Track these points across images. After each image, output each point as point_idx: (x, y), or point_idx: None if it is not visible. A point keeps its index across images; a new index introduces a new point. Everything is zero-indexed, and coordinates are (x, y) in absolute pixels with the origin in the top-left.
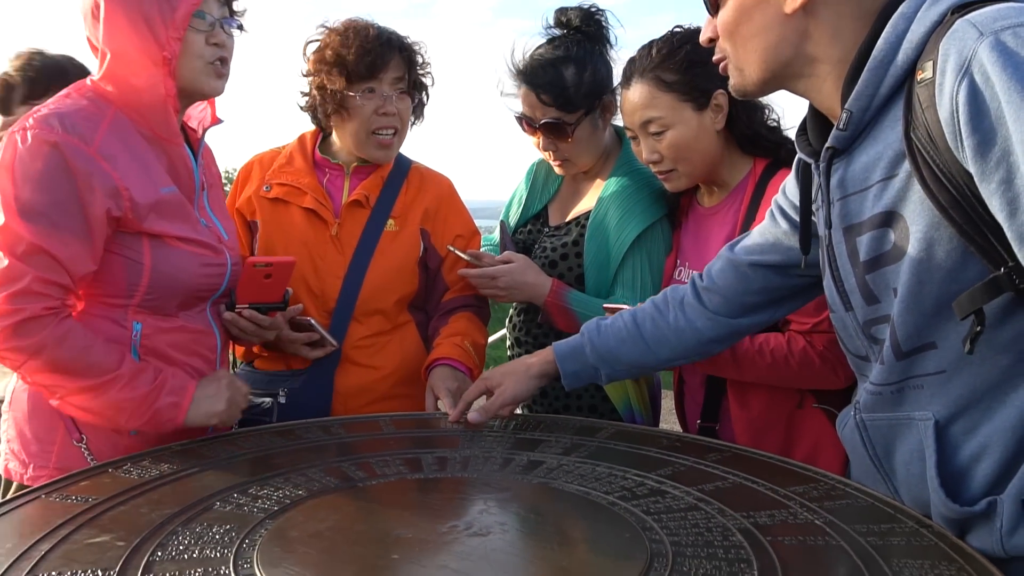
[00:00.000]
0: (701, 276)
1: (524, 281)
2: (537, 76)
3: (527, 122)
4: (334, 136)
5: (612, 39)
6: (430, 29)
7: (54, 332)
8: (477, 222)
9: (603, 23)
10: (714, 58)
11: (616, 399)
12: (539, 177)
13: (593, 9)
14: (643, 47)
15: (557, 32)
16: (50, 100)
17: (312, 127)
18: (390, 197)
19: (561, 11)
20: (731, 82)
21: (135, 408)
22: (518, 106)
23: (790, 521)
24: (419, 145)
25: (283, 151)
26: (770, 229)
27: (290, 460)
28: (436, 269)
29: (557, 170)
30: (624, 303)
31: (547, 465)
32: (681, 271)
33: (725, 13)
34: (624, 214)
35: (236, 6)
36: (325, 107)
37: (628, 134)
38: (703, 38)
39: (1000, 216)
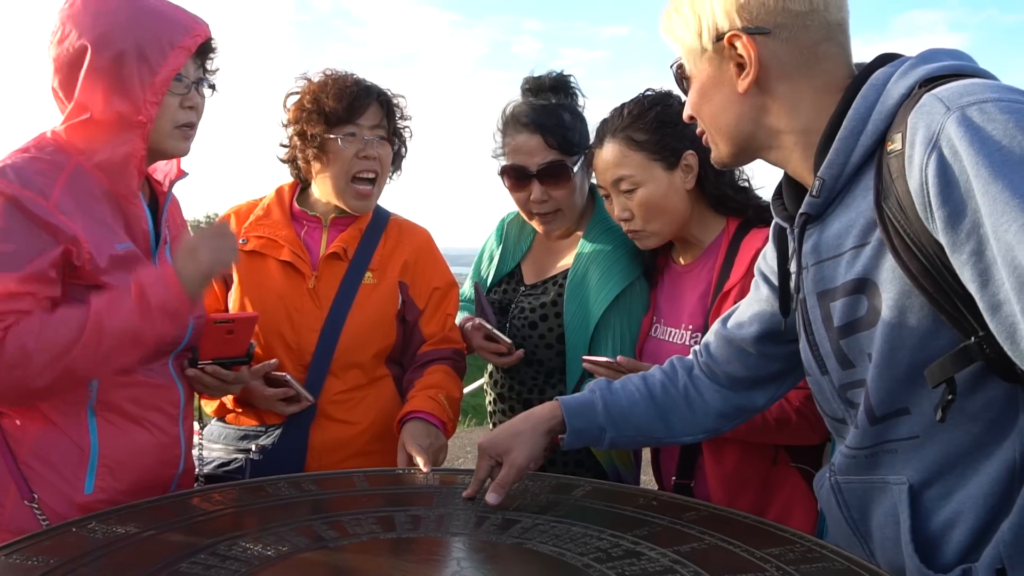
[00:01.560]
0: (700, 352)
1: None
2: (541, 119)
3: (519, 173)
4: (312, 188)
5: (581, 102)
6: (414, 79)
7: (30, 329)
8: (457, 269)
9: (572, 85)
10: (697, 130)
11: (602, 457)
12: (511, 234)
13: (561, 75)
14: (615, 109)
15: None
16: (7, 155)
17: (290, 179)
18: (368, 249)
19: (535, 77)
20: (712, 156)
21: (139, 323)
22: (506, 160)
23: None
24: (401, 192)
25: (260, 203)
26: (755, 298)
27: (260, 519)
28: (413, 322)
29: (540, 228)
30: (604, 355)
31: (522, 524)
32: (657, 328)
33: (691, 95)
34: (603, 274)
35: (210, 65)
36: (305, 153)
37: (601, 192)
38: (685, 115)
39: (972, 287)
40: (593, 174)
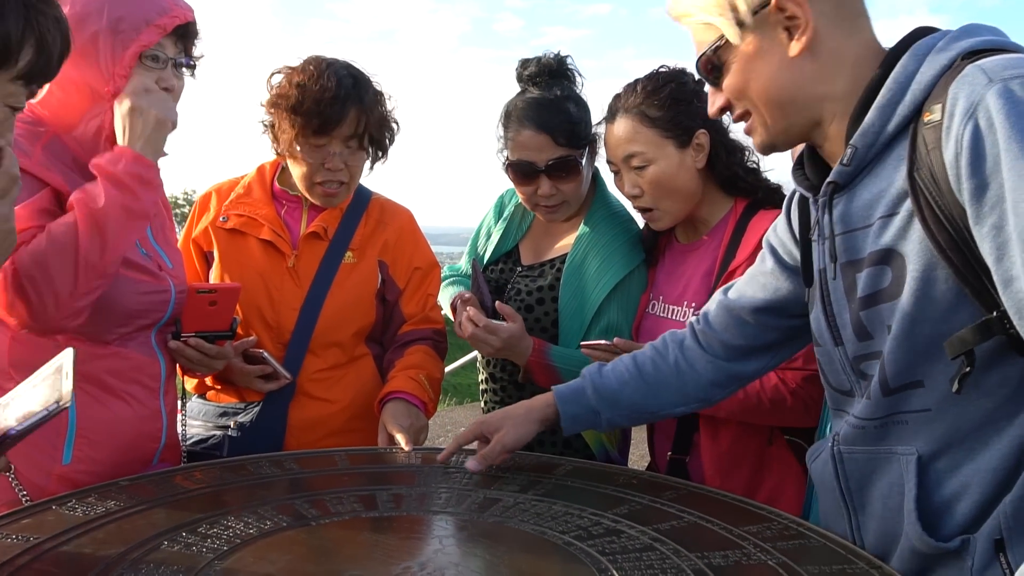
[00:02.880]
0: (698, 320)
1: (515, 346)
2: (548, 116)
3: (527, 169)
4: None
5: (579, 85)
6: (395, 55)
7: (34, 247)
8: (443, 248)
9: (570, 66)
10: (735, 115)
11: (591, 440)
12: (516, 215)
13: (559, 57)
14: (628, 84)
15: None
16: None
17: (271, 157)
18: (349, 229)
19: (535, 60)
20: (758, 140)
21: (119, 196)
22: (512, 155)
23: (744, 562)
24: (384, 171)
25: (241, 182)
26: (761, 270)
27: (241, 497)
28: (394, 301)
29: (547, 217)
30: (602, 339)
31: (503, 503)
32: (654, 304)
33: (732, 77)
34: (603, 262)
35: (193, 51)
36: (277, 146)
37: (611, 168)
38: (713, 110)
39: (989, 260)
40: (598, 156)
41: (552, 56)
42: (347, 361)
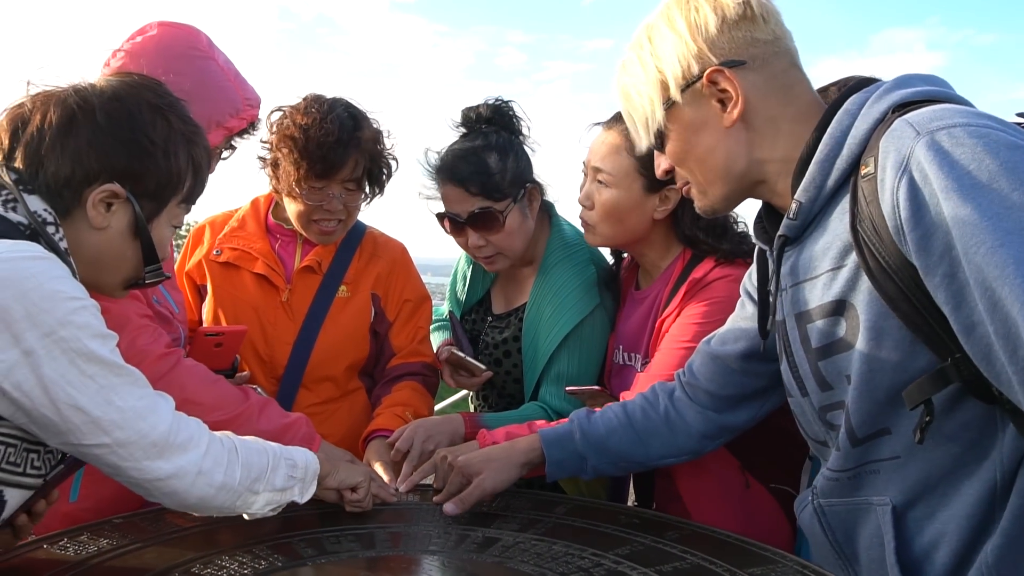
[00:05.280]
0: (683, 372)
1: (432, 433)
2: (461, 167)
3: (452, 219)
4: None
5: (524, 130)
6: (399, 88)
7: None
8: (440, 280)
9: (512, 114)
10: (677, 184)
11: (571, 489)
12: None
13: (500, 102)
14: None
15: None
16: None
17: (266, 192)
18: (343, 263)
19: (470, 108)
20: (698, 204)
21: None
22: (438, 207)
23: None
24: (383, 203)
25: (235, 215)
26: (740, 315)
27: (236, 535)
28: (384, 334)
29: (488, 268)
30: (554, 393)
31: (503, 543)
32: (617, 352)
33: (672, 145)
34: (556, 309)
35: (244, 136)
36: (276, 183)
37: (583, 169)
38: (660, 171)
39: (946, 309)
40: (542, 198)
41: (490, 103)
42: (340, 395)
